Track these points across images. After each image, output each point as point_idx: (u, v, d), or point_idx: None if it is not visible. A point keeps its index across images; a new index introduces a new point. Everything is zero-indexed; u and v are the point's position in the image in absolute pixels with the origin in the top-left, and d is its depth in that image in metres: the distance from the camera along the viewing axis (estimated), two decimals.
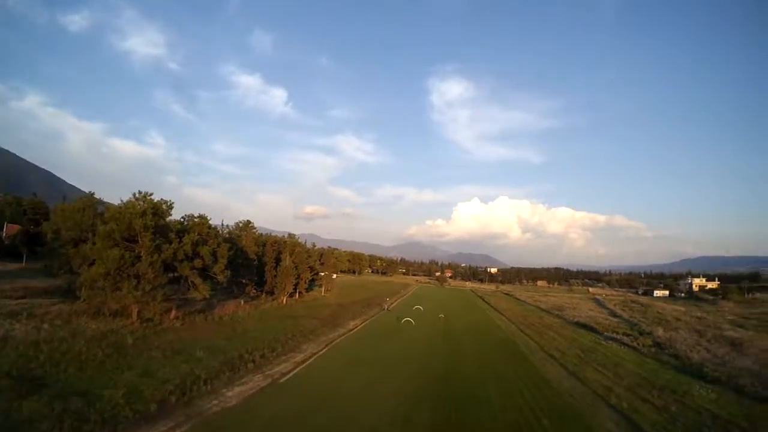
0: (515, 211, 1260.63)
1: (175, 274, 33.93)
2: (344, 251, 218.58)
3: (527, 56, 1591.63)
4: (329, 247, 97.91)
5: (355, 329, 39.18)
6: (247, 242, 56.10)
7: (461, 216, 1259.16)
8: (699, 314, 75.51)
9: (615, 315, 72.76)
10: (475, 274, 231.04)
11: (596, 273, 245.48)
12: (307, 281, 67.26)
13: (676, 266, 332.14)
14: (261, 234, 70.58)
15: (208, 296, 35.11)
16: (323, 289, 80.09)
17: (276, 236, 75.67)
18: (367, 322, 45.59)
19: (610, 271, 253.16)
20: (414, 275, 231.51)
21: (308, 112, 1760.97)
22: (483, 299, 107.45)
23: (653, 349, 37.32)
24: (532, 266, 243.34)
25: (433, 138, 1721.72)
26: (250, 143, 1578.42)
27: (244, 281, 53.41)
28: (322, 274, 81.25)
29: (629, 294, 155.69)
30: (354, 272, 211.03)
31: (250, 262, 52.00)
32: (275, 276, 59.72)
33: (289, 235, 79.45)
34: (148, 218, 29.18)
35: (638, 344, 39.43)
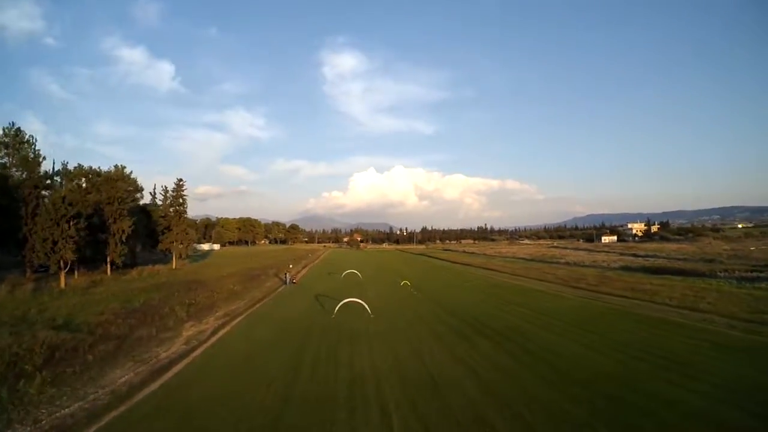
0: (411, 179, 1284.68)
1: None
2: (233, 218, 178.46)
3: (416, 29, 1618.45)
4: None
5: (195, 353, 12.23)
6: None
7: (358, 187, 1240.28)
8: (726, 247, 66.17)
9: (637, 256, 56.93)
10: (389, 237, 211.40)
11: (506, 231, 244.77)
12: (125, 234, 34.76)
13: (568, 224, 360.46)
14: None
15: None
16: (175, 259, 47.69)
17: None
18: (237, 319, 17.60)
19: (516, 229, 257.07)
20: (320, 242, 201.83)
21: (197, 87, 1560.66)
22: (428, 256, 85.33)
23: None
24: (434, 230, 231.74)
25: (326, 111, 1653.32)
26: (135, 123, 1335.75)
27: None
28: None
29: (580, 242, 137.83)
30: (247, 243, 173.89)
31: None
32: (34, 226, 27.02)
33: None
34: None
35: None
